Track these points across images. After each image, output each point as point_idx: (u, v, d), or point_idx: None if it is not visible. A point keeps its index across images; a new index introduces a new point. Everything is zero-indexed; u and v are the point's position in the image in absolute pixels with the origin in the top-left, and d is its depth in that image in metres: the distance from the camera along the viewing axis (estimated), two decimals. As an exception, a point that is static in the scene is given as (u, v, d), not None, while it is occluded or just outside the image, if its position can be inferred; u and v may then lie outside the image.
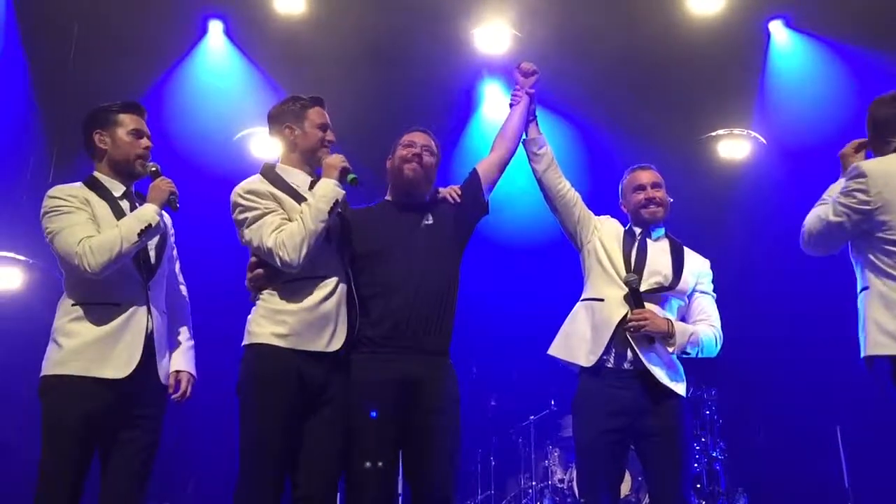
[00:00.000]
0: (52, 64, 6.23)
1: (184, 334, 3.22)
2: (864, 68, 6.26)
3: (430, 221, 3.23)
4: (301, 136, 3.12)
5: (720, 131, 7.06)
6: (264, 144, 6.59)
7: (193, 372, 3.17)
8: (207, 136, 6.51)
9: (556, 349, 3.40)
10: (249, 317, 3.00)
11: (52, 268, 3.12)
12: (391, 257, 3.11)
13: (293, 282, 2.95)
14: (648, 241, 3.53)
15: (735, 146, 7.10)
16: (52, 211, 2.95)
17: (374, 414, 2.95)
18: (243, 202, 2.96)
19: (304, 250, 2.86)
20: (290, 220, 2.95)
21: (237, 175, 3.10)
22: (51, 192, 2.99)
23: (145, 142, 3.12)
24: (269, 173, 3.07)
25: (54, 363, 2.89)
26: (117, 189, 3.09)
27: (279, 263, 2.88)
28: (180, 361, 3.14)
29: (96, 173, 3.11)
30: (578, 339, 3.34)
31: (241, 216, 2.96)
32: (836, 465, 5.94)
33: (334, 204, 2.92)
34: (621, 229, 3.57)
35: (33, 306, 5.50)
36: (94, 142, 3.10)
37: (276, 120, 3.17)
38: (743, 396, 6.61)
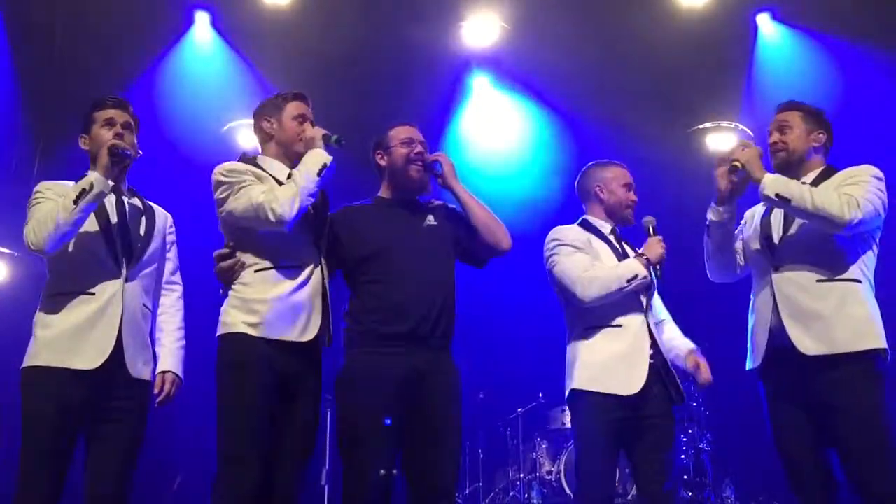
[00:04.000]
0: (36, 55, 6.18)
1: (172, 335, 3.23)
2: (851, 61, 6.29)
3: (433, 223, 3.23)
4: (278, 128, 3.14)
5: (707, 124, 7.08)
6: (252, 136, 6.57)
7: (180, 373, 3.18)
8: (194, 128, 6.47)
9: (586, 382, 3.21)
10: (222, 308, 2.99)
11: (38, 261, 3.10)
12: (396, 255, 3.11)
13: (265, 271, 2.95)
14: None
15: (722, 139, 7.12)
16: (29, 203, 3.02)
17: (375, 409, 2.93)
18: (226, 179, 2.97)
19: (296, 206, 2.88)
20: None
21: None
22: (38, 185, 3.07)
23: (116, 129, 3.11)
24: (248, 161, 3.11)
25: (30, 355, 2.94)
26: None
27: (271, 217, 2.86)
28: (167, 362, 3.15)
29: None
30: (610, 370, 3.21)
31: (225, 192, 2.97)
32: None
33: (322, 167, 2.96)
34: (585, 231, 3.47)
35: (19, 299, 5.46)
36: (81, 146, 3.17)
37: (257, 114, 3.23)
38: (730, 388, 6.63)
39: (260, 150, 3.22)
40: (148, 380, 3.08)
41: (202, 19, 6.56)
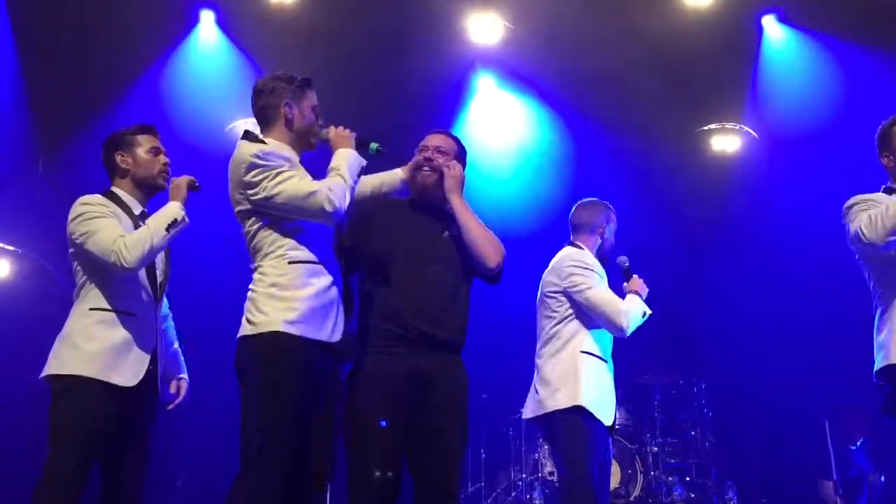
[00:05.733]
0: (42, 54, 6.18)
1: (175, 343, 3.42)
2: (856, 64, 6.28)
3: (455, 233, 3.20)
4: (299, 117, 3.07)
5: (712, 125, 7.07)
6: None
7: (186, 376, 3.42)
8: (199, 127, 6.48)
9: (590, 403, 3.46)
10: (252, 300, 2.87)
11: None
12: (409, 259, 3.11)
13: (300, 264, 2.88)
14: None
15: (727, 140, 7.11)
16: (82, 215, 3.11)
17: (382, 413, 2.94)
18: (261, 161, 2.86)
19: (347, 200, 2.89)
20: None
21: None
22: (81, 199, 3.18)
23: (163, 158, 3.33)
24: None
25: (73, 364, 3.01)
26: (136, 207, 3.28)
27: (327, 207, 2.81)
28: (178, 367, 3.38)
29: (115, 189, 3.30)
30: (608, 400, 3.55)
31: (260, 175, 2.85)
32: (825, 459, 5.98)
33: (361, 170, 3.00)
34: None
35: (22, 296, 5.48)
36: (116, 162, 3.32)
37: (271, 95, 3.08)
38: (732, 390, 6.64)
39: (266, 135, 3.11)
40: (160, 394, 3.26)
41: (207, 18, 6.57)
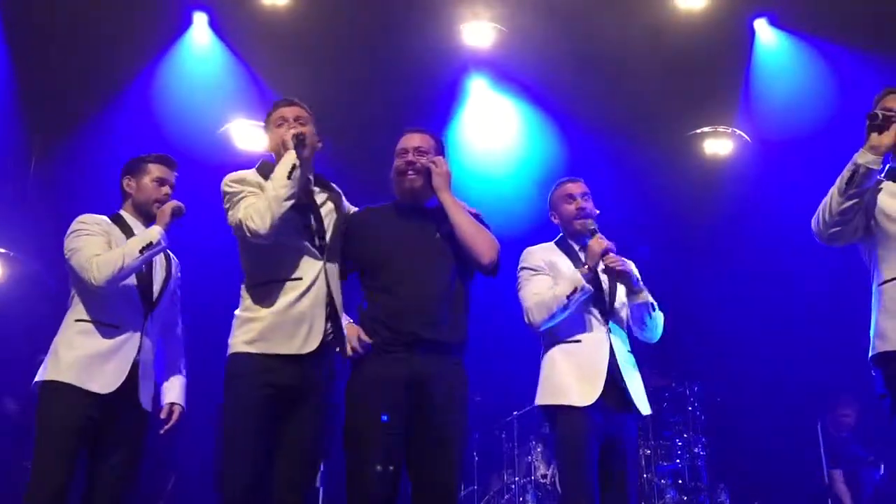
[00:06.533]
0: (34, 55, 6.17)
1: (179, 369, 3.51)
2: (847, 66, 6.30)
3: (445, 232, 3.20)
4: (272, 138, 3.20)
5: (705, 129, 7.09)
6: (248, 136, 6.59)
7: (184, 404, 3.50)
8: (192, 129, 6.47)
9: (546, 398, 3.40)
10: (234, 321, 3.06)
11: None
12: (402, 263, 3.12)
13: (264, 286, 3.01)
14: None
15: (719, 144, 7.13)
16: (75, 232, 3.27)
17: (381, 413, 2.95)
18: (229, 189, 3.05)
19: (268, 217, 2.90)
20: None
21: (222, 167, 3.10)
22: (80, 217, 3.34)
23: (166, 189, 3.44)
24: (264, 168, 3.12)
25: (52, 370, 3.16)
26: (137, 229, 3.39)
27: (249, 234, 2.92)
28: (176, 395, 3.47)
29: (122, 212, 3.45)
30: (567, 385, 3.34)
31: (227, 204, 3.05)
32: (817, 461, 6.00)
33: (292, 168, 2.96)
34: (556, 249, 3.59)
35: (12, 298, 5.46)
36: (122, 186, 3.48)
37: (265, 124, 3.31)
38: (725, 392, 6.65)
39: (273, 155, 3.20)
40: (148, 411, 3.32)
41: (200, 20, 6.57)
